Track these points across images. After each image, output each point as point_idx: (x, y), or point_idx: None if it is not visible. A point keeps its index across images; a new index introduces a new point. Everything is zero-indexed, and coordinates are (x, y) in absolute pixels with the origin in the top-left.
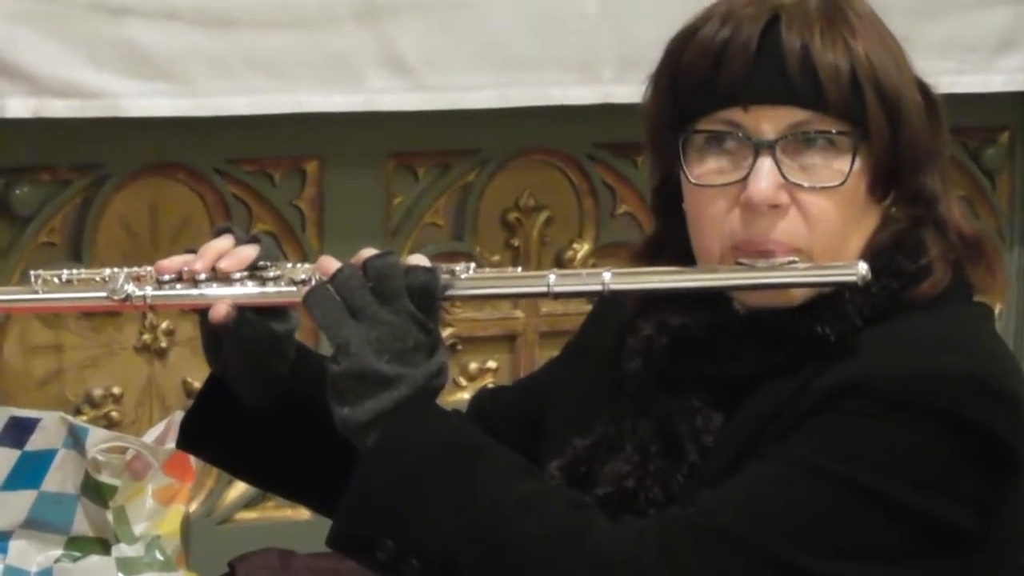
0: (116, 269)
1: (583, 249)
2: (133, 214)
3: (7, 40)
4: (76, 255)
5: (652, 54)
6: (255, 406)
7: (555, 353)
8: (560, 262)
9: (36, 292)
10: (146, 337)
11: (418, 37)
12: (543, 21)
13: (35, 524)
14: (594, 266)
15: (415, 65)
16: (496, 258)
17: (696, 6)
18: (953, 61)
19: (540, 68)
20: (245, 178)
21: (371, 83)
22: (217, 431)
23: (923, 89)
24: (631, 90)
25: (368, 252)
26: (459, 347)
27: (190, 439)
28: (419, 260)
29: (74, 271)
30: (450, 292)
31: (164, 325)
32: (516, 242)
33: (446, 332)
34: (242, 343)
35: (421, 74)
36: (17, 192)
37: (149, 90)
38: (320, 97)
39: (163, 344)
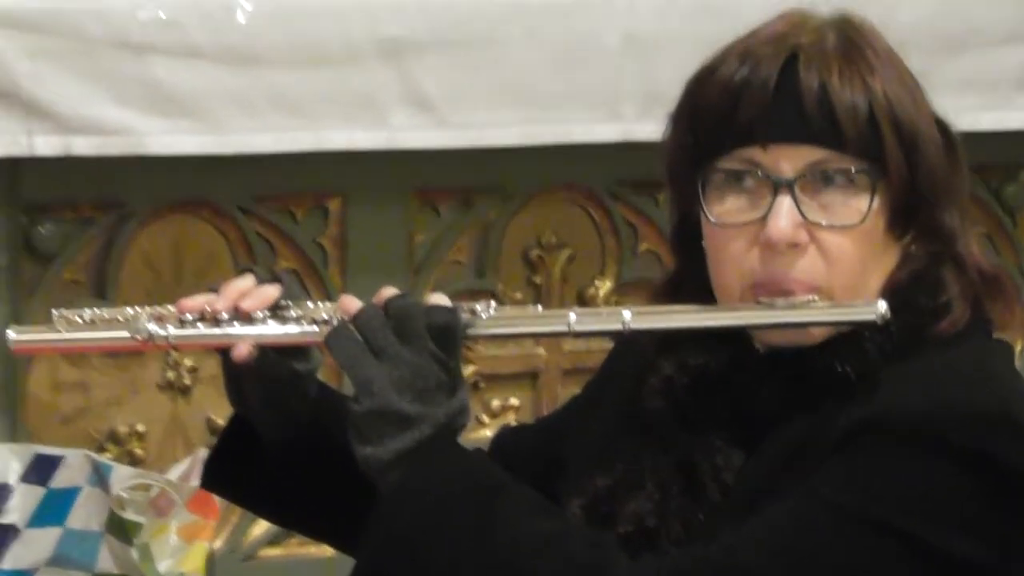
0: (138, 308)
1: (605, 286)
2: (157, 251)
3: (31, 78)
4: (101, 292)
5: (674, 91)
6: (277, 445)
7: (577, 390)
8: (582, 299)
9: (58, 332)
10: (170, 375)
11: (441, 75)
12: (566, 58)
13: (60, 561)
14: (617, 303)
15: (438, 102)
16: (519, 295)
17: (716, 44)
18: (974, 98)
19: (562, 105)
20: (268, 215)
21: (394, 120)
22: (240, 471)
23: (941, 126)
24: (653, 128)
25: (389, 291)
26: (481, 385)
27: (214, 479)
28: (440, 300)
29: (96, 310)
30: (471, 332)
31: (188, 363)
32: (538, 279)
33: (468, 370)
34: (264, 383)
35: (444, 111)
36: (41, 230)
37: (172, 127)
38: (343, 135)
39: (187, 381)
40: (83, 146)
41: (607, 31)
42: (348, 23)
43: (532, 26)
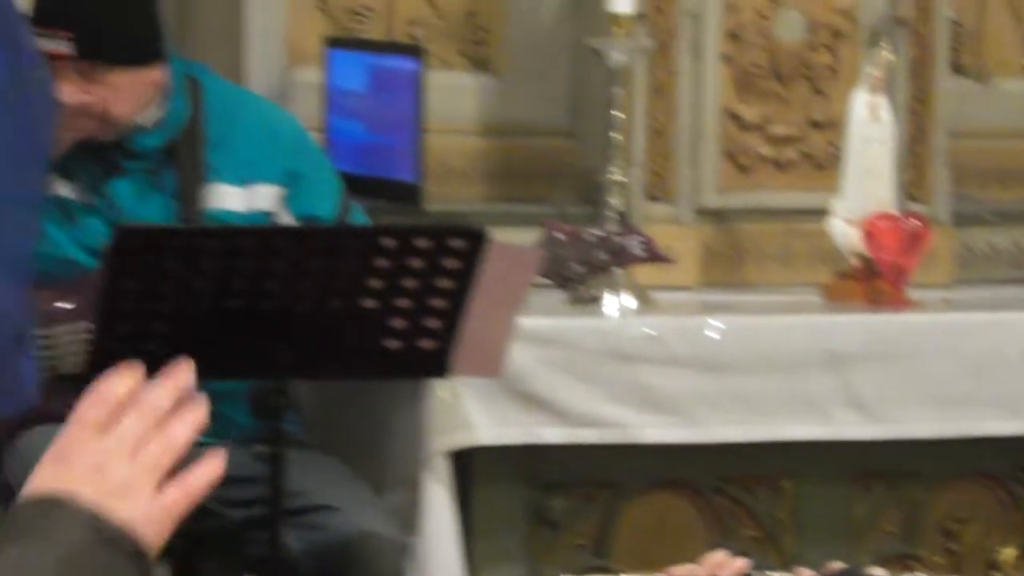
0: None
1: (1010, 554)
2: (646, 523)
3: (546, 383)
4: (600, 555)
5: None
6: None
7: None
8: (991, 564)
9: None
10: None
11: (874, 380)
12: (973, 366)
13: None
14: (1020, 568)
15: (871, 403)
16: (937, 559)
17: None
18: None
19: (972, 404)
20: (736, 493)
21: (835, 417)
22: None
23: None
24: None
25: (837, 565)
26: None
27: None
28: (878, 572)
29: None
30: None
31: None
32: (954, 547)
33: None
34: None
35: (876, 410)
36: (553, 504)
37: (657, 422)
38: (794, 428)
39: None
40: (586, 436)
41: (1008, 345)
42: (799, 338)
43: (947, 341)
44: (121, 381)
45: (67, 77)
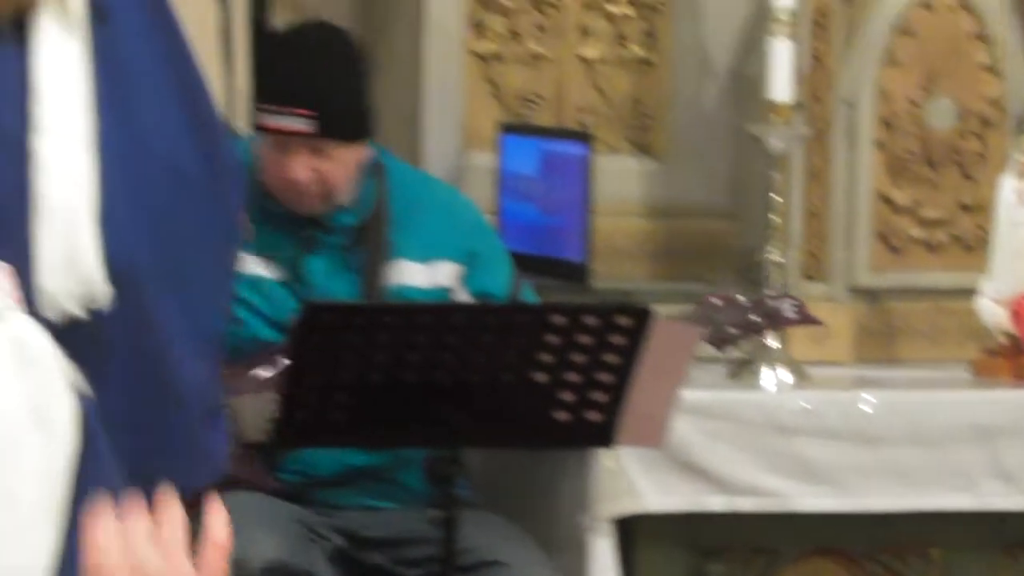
0: None
1: None
2: None
3: (705, 451)
4: None
5: None
6: None
7: None
8: None
9: None
10: None
11: (1020, 453)
12: None
13: None
14: None
15: (1017, 475)
16: None
17: None
18: None
19: None
20: (887, 561)
21: (983, 488)
22: None
23: None
24: None
25: None
26: None
27: None
28: None
29: None
30: None
31: None
32: None
33: None
34: None
35: (1022, 482)
36: (712, 568)
37: (812, 491)
38: (943, 499)
39: None
40: (744, 504)
41: None
42: (948, 412)
43: None
44: (112, 525)
45: (298, 152)
